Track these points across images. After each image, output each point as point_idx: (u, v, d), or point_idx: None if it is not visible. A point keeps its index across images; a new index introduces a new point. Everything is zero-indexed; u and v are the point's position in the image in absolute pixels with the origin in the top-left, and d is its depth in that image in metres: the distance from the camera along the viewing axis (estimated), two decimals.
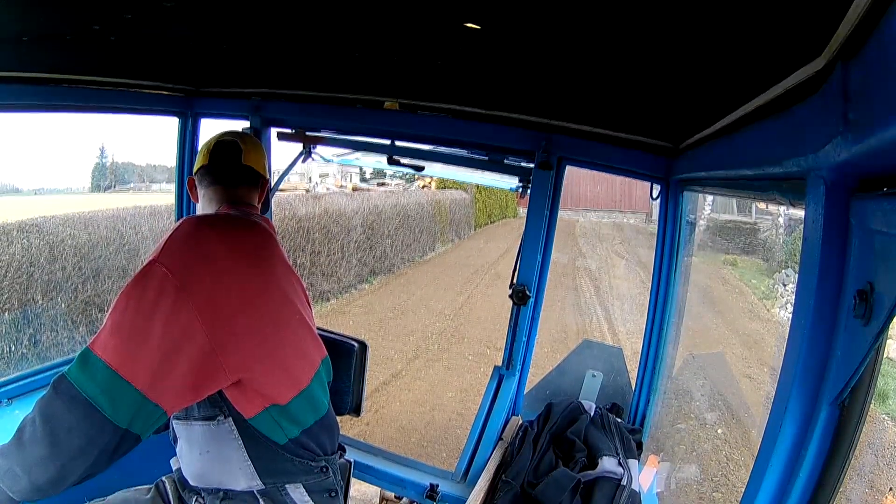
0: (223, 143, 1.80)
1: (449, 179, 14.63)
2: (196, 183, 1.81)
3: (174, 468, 1.73)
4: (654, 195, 2.52)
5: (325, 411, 1.68)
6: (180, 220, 1.49)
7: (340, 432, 1.82)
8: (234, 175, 1.79)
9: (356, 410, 2.17)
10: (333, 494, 1.67)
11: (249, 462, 1.52)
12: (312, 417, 1.62)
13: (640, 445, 2.44)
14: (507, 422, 2.59)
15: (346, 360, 2.11)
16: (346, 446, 2.54)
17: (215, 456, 1.55)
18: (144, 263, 1.35)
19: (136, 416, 1.28)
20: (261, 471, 1.53)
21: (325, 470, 1.64)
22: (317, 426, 1.63)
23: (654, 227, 2.89)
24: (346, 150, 3.12)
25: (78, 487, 1.92)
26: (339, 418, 2.34)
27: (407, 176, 21.66)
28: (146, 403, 1.28)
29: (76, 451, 1.25)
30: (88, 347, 1.28)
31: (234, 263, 1.48)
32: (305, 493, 1.59)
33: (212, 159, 1.78)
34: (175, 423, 1.59)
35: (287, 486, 1.56)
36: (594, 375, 2.74)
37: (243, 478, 1.54)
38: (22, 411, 2.33)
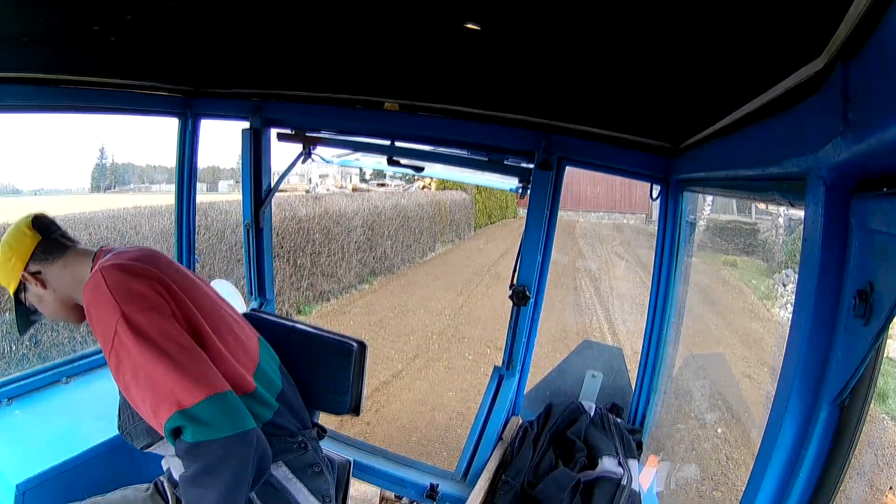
0: (36, 217, 1.69)
1: (449, 180, 14.64)
2: (40, 269, 1.64)
3: (164, 468, 1.74)
4: (654, 195, 2.52)
5: (279, 387, 1.73)
6: (99, 275, 1.50)
7: (341, 431, 1.83)
8: (63, 229, 1.73)
9: (355, 410, 2.17)
10: (317, 470, 1.68)
11: None
12: (272, 395, 1.67)
13: (640, 445, 2.44)
14: (507, 422, 2.60)
15: (345, 360, 2.11)
16: (346, 445, 2.55)
17: None
18: (113, 325, 1.40)
19: (246, 410, 1.42)
20: None
21: (302, 445, 1.67)
22: (280, 404, 1.67)
23: (654, 228, 2.89)
24: (346, 151, 3.12)
25: (80, 485, 1.94)
26: (339, 418, 2.34)
27: (407, 177, 21.66)
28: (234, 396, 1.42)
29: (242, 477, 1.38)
30: (179, 410, 1.32)
31: (172, 285, 1.56)
32: (289, 472, 1.63)
33: (42, 231, 1.66)
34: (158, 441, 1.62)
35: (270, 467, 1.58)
36: (594, 375, 2.74)
37: None
38: (22, 411, 2.33)
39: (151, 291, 1.49)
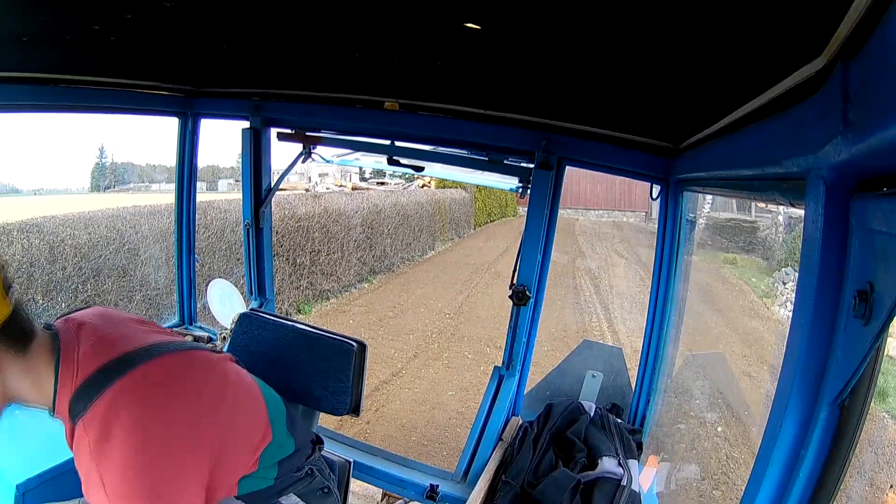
0: (7, 278, 1.24)
1: (449, 180, 14.65)
2: None
3: None
4: (654, 195, 2.52)
5: (293, 446, 1.59)
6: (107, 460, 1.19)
7: (340, 431, 1.81)
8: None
9: (355, 410, 2.17)
10: (326, 491, 1.66)
11: None
12: (286, 453, 1.57)
13: (640, 446, 2.44)
14: (507, 422, 2.60)
15: (345, 360, 2.11)
16: (346, 446, 2.55)
17: None
18: None
19: None
20: None
21: (310, 473, 1.63)
22: (290, 455, 1.59)
23: (653, 226, 2.89)
24: (346, 151, 3.12)
25: (80, 485, 1.94)
26: (339, 417, 2.34)
27: (406, 175, 21.66)
28: None
29: None
30: None
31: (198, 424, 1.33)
32: (299, 500, 1.59)
33: (15, 304, 1.25)
34: None
35: (280, 499, 1.56)
36: (594, 376, 2.74)
37: None
38: (22, 411, 2.32)
39: (162, 495, 1.21)
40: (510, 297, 2.55)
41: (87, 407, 1.23)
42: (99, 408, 1.22)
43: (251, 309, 2.51)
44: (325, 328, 2.23)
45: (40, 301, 5.81)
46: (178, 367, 1.38)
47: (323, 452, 1.85)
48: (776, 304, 10.16)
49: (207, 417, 1.35)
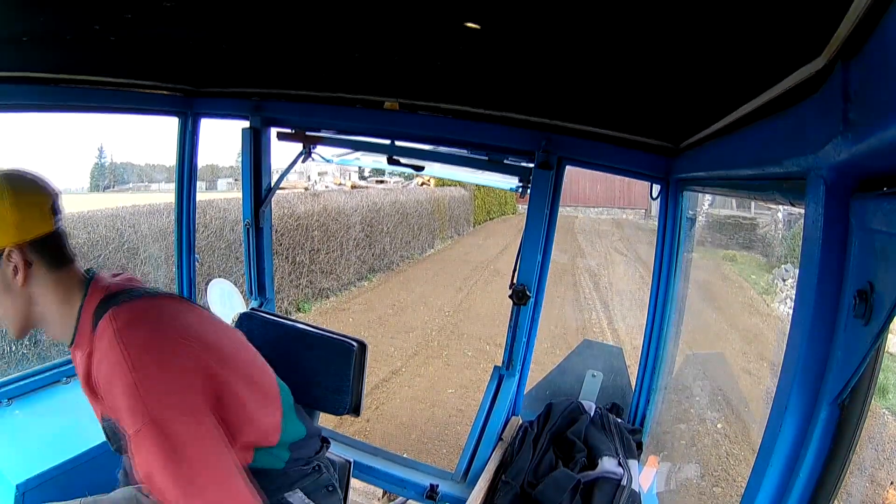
0: (56, 203, 1.37)
1: (448, 179, 14.65)
2: (33, 262, 1.30)
3: None
4: (654, 195, 2.52)
5: (304, 431, 1.64)
6: (118, 349, 1.22)
7: (339, 431, 1.82)
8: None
9: (355, 410, 2.18)
10: (331, 489, 1.69)
11: None
12: (299, 436, 1.62)
13: (640, 445, 2.44)
14: (507, 422, 2.60)
15: (345, 359, 2.12)
16: (346, 446, 2.56)
17: None
18: (137, 426, 1.18)
19: None
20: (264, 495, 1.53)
21: (317, 468, 1.66)
22: (302, 440, 1.63)
23: (652, 224, 2.90)
24: (346, 150, 3.12)
25: (80, 485, 1.94)
26: (338, 416, 2.35)
27: (406, 173, 21.65)
28: None
29: None
30: None
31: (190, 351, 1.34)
32: (305, 496, 1.61)
33: (58, 226, 1.36)
34: None
35: (286, 494, 1.58)
36: (594, 375, 2.74)
37: None
38: (22, 411, 2.33)
39: (185, 376, 1.26)
40: (510, 296, 2.55)
41: (110, 306, 1.31)
42: (131, 305, 1.32)
43: (251, 308, 2.51)
44: (325, 327, 2.23)
45: None
46: (206, 315, 1.53)
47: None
48: (776, 300, 10.17)
49: (227, 351, 1.44)
